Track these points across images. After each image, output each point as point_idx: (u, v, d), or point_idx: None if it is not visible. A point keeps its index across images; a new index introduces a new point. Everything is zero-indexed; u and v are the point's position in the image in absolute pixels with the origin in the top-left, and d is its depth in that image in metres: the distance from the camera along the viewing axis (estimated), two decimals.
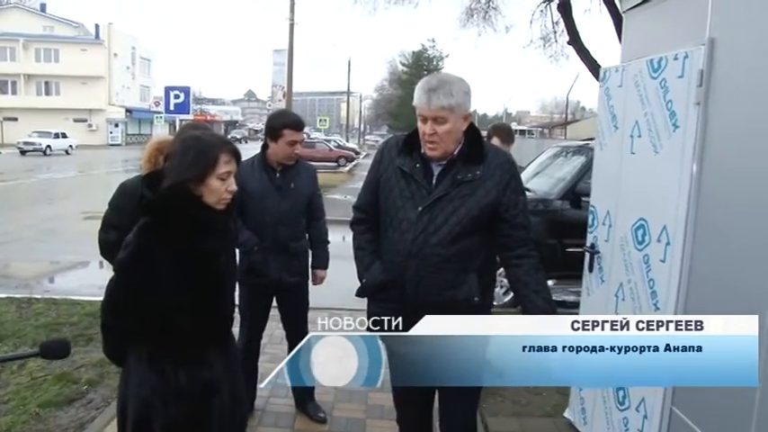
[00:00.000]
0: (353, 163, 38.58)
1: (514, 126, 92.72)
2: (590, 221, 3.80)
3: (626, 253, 3.38)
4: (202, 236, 2.35)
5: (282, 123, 3.87)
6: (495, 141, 5.01)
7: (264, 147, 4.00)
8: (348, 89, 78.42)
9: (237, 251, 3.70)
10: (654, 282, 3.12)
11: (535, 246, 2.76)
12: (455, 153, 2.71)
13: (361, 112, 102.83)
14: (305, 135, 3.94)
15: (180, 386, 2.38)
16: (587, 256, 3.78)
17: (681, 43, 2.98)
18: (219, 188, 2.35)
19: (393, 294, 2.77)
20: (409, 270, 2.71)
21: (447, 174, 2.70)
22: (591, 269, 3.74)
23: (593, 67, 12.60)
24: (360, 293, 2.96)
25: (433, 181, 2.71)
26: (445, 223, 2.67)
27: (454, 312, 2.69)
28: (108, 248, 2.99)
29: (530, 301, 2.67)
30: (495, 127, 5.25)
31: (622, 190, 3.47)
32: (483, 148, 2.75)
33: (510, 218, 2.70)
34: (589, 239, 3.80)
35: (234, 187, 2.39)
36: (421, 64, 68.46)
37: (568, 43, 13.82)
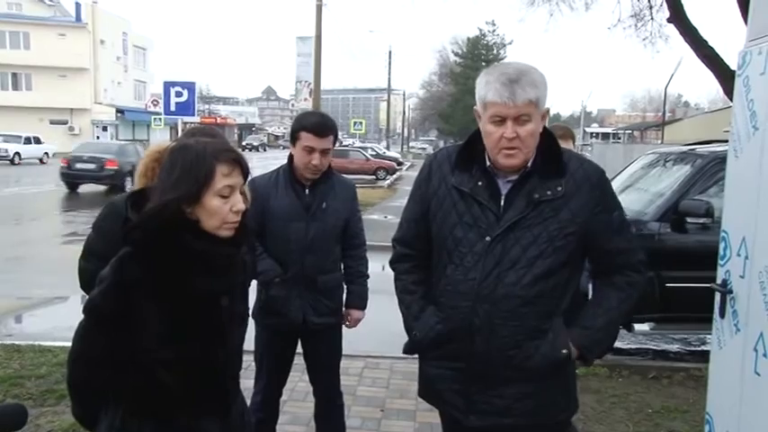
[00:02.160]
0: (395, 176, 38.81)
1: (596, 128, 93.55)
2: (721, 251, 3.66)
3: None
4: (198, 273, 2.28)
5: (301, 125, 3.87)
6: None
7: (291, 157, 3.97)
8: (389, 85, 79.25)
9: (255, 283, 3.63)
10: None
11: (640, 267, 2.75)
12: (529, 164, 2.64)
13: (404, 113, 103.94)
14: (330, 141, 3.86)
15: None
16: (717, 296, 3.62)
17: None
18: (221, 208, 2.26)
19: (458, 349, 2.70)
20: (479, 317, 2.63)
21: (519, 192, 2.63)
22: (722, 314, 3.58)
23: (702, 49, 12.29)
24: (409, 350, 2.92)
25: (502, 202, 2.65)
26: (523, 255, 2.59)
27: (536, 369, 2.63)
28: (90, 281, 2.94)
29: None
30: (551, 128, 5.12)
31: (763, 211, 3.31)
32: (562, 155, 2.69)
33: (603, 243, 2.68)
34: (720, 275, 3.64)
35: (241, 206, 2.30)
36: (478, 53, 69.01)
37: (668, 20, 13.46)
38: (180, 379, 2.29)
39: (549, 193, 2.59)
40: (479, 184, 2.66)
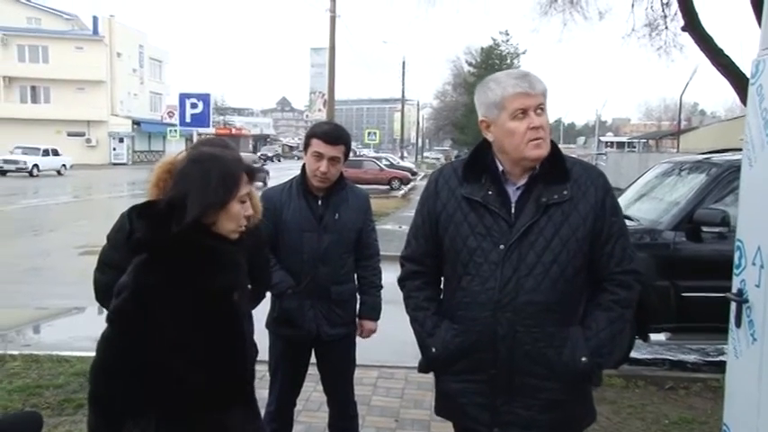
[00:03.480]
0: (409, 186, 38.78)
1: (611, 137, 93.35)
2: (736, 260, 3.62)
3: None
4: (210, 270, 2.36)
5: (312, 132, 3.91)
6: None
7: (304, 168, 3.97)
8: (402, 96, 79.20)
9: (269, 295, 3.64)
10: None
11: (630, 281, 2.71)
12: (537, 168, 2.65)
13: (418, 123, 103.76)
14: (340, 151, 3.87)
15: None
16: (733, 305, 3.57)
17: None
18: (239, 212, 2.42)
19: (480, 360, 2.68)
20: (501, 327, 2.62)
21: (528, 198, 2.64)
22: (738, 323, 3.53)
23: (717, 58, 12.22)
24: (425, 368, 2.90)
25: (512, 209, 2.65)
26: (539, 261, 2.59)
27: (558, 378, 2.64)
28: (105, 292, 2.96)
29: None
30: None
31: None
32: (565, 161, 2.71)
33: (602, 245, 2.67)
34: (735, 284, 3.60)
35: (250, 210, 2.49)
36: (492, 63, 68.72)
37: (683, 29, 13.39)
38: (206, 375, 2.35)
39: (555, 196, 2.61)
40: (490, 192, 2.66)
